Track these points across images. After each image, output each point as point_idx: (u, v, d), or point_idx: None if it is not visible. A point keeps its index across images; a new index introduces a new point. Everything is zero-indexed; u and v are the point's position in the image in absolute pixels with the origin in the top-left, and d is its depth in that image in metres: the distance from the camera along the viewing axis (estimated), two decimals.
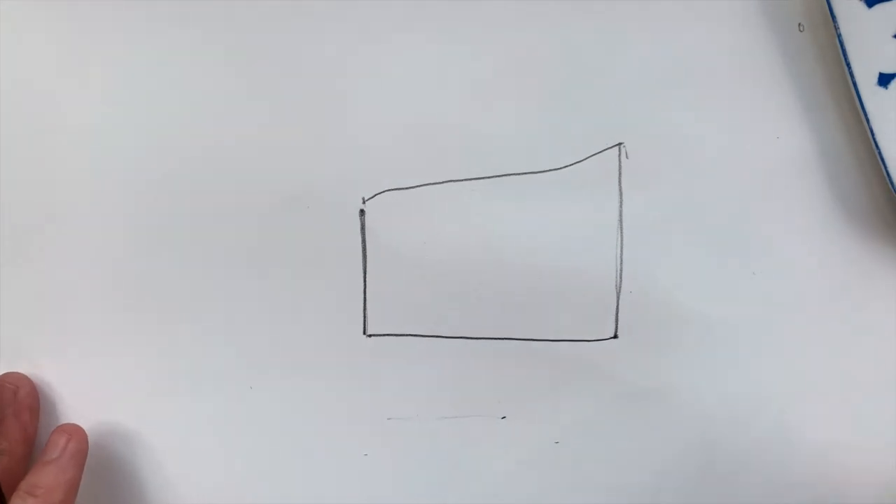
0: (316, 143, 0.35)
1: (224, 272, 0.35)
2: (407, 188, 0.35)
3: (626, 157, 0.35)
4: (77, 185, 0.35)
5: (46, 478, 0.31)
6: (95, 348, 0.35)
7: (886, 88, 0.33)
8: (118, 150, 0.35)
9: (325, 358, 0.35)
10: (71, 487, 0.32)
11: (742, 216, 0.35)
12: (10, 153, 0.35)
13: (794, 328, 0.35)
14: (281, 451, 0.35)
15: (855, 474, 0.36)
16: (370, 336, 0.35)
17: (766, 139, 0.35)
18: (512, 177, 0.35)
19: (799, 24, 0.34)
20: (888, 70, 0.32)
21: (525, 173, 0.35)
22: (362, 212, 0.35)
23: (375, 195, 0.35)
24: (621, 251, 0.35)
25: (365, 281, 0.35)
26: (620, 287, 0.35)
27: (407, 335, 0.35)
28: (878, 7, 0.32)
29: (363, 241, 0.35)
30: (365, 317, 0.35)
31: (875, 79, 0.32)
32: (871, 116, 0.32)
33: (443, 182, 0.35)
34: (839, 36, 0.32)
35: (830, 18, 0.33)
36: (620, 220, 0.35)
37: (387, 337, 0.35)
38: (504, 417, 0.35)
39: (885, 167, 0.33)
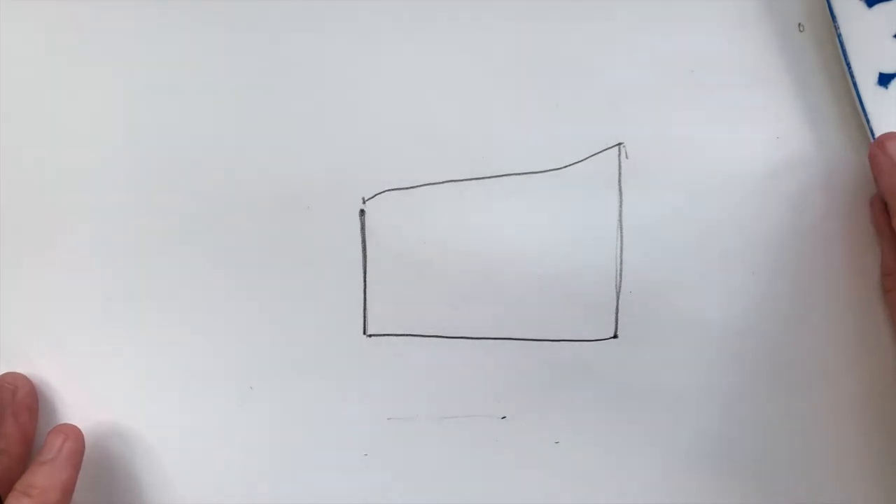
0: (316, 143, 0.35)
1: (224, 272, 0.35)
2: (407, 188, 0.35)
3: (626, 157, 0.35)
4: (77, 185, 0.35)
5: (42, 478, 0.31)
6: (94, 348, 0.35)
7: (886, 88, 0.33)
8: (118, 149, 0.35)
9: (325, 358, 0.35)
10: (66, 488, 0.32)
11: (742, 216, 0.35)
12: (10, 153, 0.35)
13: (794, 328, 0.35)
14: (281, 450, 0.35)
15: (857, 472, 0.36)
16: (370, 336, 0.35)
17: (766, 139, 0.35)
18: (512, 177, 0.35)
19: (799, 24, 0.34)
20: (888, 70, 0.33)
21: (525, 173, 0.35)
22: (362, 212, 0.35)
23: (375, 195, 0.35)
24: (621, 251, 0.35)
25: (365, 281, 0.35)
26: (620, 287, 0.35)
27: (407, 335, 0.35)
28: (878, 7, 0.32)
29: (363, 241, 0.35)
30: (365, 317, 0.35)
31: (875, 79, 0.32)
32: (871, 116, 0.32)
33: (443, 182, 0.35)
34: (839, 36, 0.32)
35: (830, 18, 0.33)
36: (620, 220, 0.35)
37: (387, 337, 0.35)
38: (504, 417, 0.35)
39: None
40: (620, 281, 0.35)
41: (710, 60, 0.34)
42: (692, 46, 0.34)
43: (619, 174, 0.35)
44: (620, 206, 0.35)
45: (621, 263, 0.35)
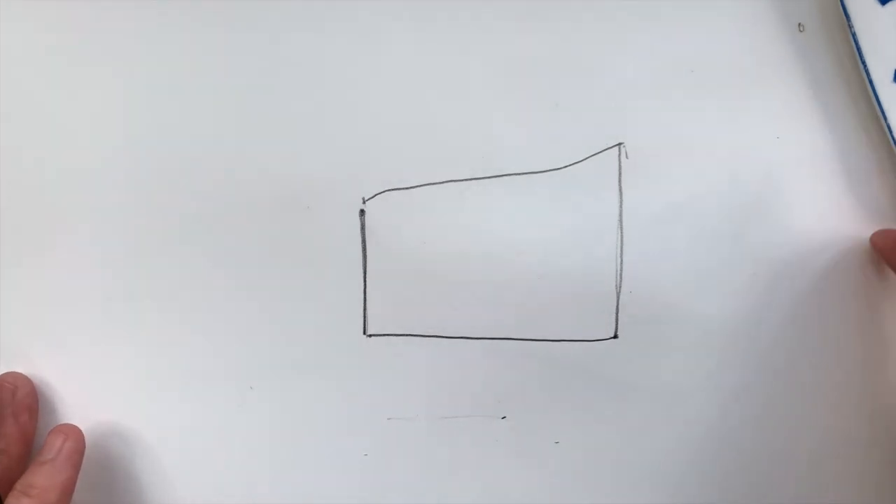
0: (316, 142, 0.35)
1: (224, 272, 0.35)
2: (407, 188, 0.35)
3: (626, 157, 0.35)
4: (77, 185, 0.35)
5: (42, 478, 0.31)
6: (94, 348, 0.35)
7: None
8: (117, 149, 0.35)
9: (325, 358, 0.35)
10: (66, 488, 0.32)
11: (742, 216, 0.35)
12: (10, 153, 0.35)
13: (794, 328, 0.35)
14: (281, 450, 0.35)
15: (857, 472, 0.36)
16: (370, 336, 0.35)
17: (766, 139, 0.35)
18: (512, 177, 0.35)
19: (799, 24, 0.34)
20: None
21: (525, 173, 0.35)
22: (362, 212, 0.35)
23: (375, 195, 0.35)
24: (621, 251, 0.35)
25: (365, 281, 0.35)
26: (620, 287, 0.35)
27: (407, 335, 0.35)
28: (891, 4, 0.32)
29: (363, 241, 0.35)
30: (365, 317, 0.35)
31: (891, 75, 0.32)
32: (888, 113, 0.32)
33: (443, 182, 0.35)
34: (853, 34, 0.32)
35: (832, 18, 0.33)
36: (620, 221, 0.35)
37: (387, 337, 0.35)
38: (504, 417, 0.35)
39: None
40: (620, 281, 0.35)
41: (710, 60, 0.34)
42: (692, 46, 0.34)
43: (619, 174, 0.35)
44: (620, 206, 0.35)
45: (621, 263, 0.35)
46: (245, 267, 0.35)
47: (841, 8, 0.32)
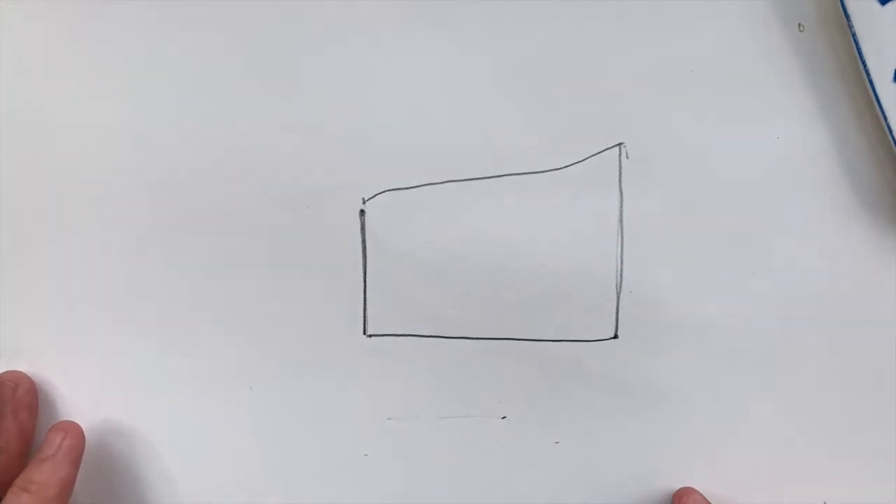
0: (316, 143, 0.35)
1: (224, 272, 0.35)
2: (407, 188, 0.35)
3: (626, 157, 0.35)
4: (77, 185, 0.35)
5: (41, 474, 0.31)
6: (95, 347, 0.35)
7: None
8: (118, 149, 0.35)
9: (325, 358, 0.35)
10: (66, 484, 0.32)
11: (742, 216, 0.35)
12: (10, 153, 0.35)
13: (794, 328, 0.35)
14: (281, 451, 0.35)
15: (857, 471, 0.36)
16: (370, 336, 0.35)
17: (765, 139, 0.35)
18: (512, 177, 0.35)
19: (799, 24, 0.34)
20: None
21: (525, 173, 0.35)
22: (362, 212, 0.35)
23: (375, 195, 0.35)
24: (621, 251, 0.35)
25: (365, 281, 0.35)
26: (620, 287, 0.35)
27: (407, 335, 0.35)
28: (892, 4, 0.32)
29: (363, 241, 0.35)
30: (365, 317, 0.35)
31: (891, 75, 0.32)
32: (888, 113, 0.32)
33: (443, 182, 0.35)
34: (854, 34, 0.32)
35: (832, 18, 0.33)
36: (620, 220, 0.35)
37: (387, 337, 0.35)
38: (504, 417, 0.35)
39: None
40: (620, 281, 0.35)
41: (710, 60, 0.34)
42: (692, 46, 0.34)
43: (620, 174, 0.35)
44: (620, 206, 0.35)
45: (621, 263, 0.35)
46: (245, 267, 0.35)
47: (841, 8, 0.32)
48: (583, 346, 0.35)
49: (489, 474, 0.36)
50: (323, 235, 0.35)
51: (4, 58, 0.34)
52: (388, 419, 0.35)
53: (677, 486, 0.35)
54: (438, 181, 0.35)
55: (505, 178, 0.35)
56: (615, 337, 0.35)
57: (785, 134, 0.35)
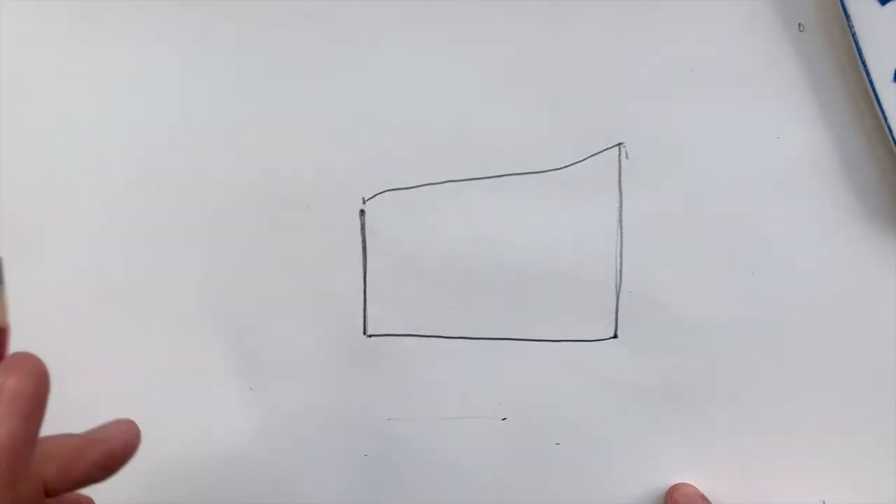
0: (316, 143, 0.35)
1: (224, 272, 0.35)
2: (407, 188, 0.35)
3: (626, 157, 0.35)
4: (77, 185, 0.35)
5: None
6: (95, 348, 0.35)
7: None
8: (118, 150, 0.35)
9: (325, 358, 0.35)
10: (9, 445, 0.21)
11: (742, 216, 0.35)
12: (11, 153, 0.35)
13: (794, 328, 0.35)
14: (281, 451, 0.35)
15: (859, 470, 0.36)
16: (370, 336, 0.35)
17: (765, 139, 0.35)
18: (512, 177, 0.35)
19: (799, 24, 0.34)
20: None
21: (525, 173, 0.35)
22: (362, 212, 0.35)
23: (375, 195, 0.35)
24: (621, 251, 0.35)
25: (365, 281, 0.35)
26: (620, 287, 0.35)
27: (407, 335, 0.35)
28: (892, 4, 0.32)
29: (363, 241, 0.35)
30: (365, 317, 0.35)
31: (891, 75, 0.32)
32: (888, 114, 0.32)
33: (443, 182, 0.35)
34: (853, 34, 0.32)
35: (832, 18, 0.33)
36: (620, 220, 0.35)
37: (387, 337, 0.35)
38: (504, 419, 0.35)
39: None
40: (620, 281, 0.35)
41: (710, 60, 0.34)
42: (692, 46, 0.34)
43: (619, 174, 0.35)
44: (620, 206, 0.35)
45: (621, 263, 0.35)
46: (245, 267, 0.35)
47: (841, 8, 0.32)
48: (583, 346, 0.35)
49: (489, 474, 0.36)
50: (323, 235, 0.35)
51: (5, 57, 0.34)
52: (388, 419, 0.35)
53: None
54: (438, 181, 0.35)
55: (505, 178, 0.35)
56: (615, 337, 0.35)
57: (785, 134, 0.35)
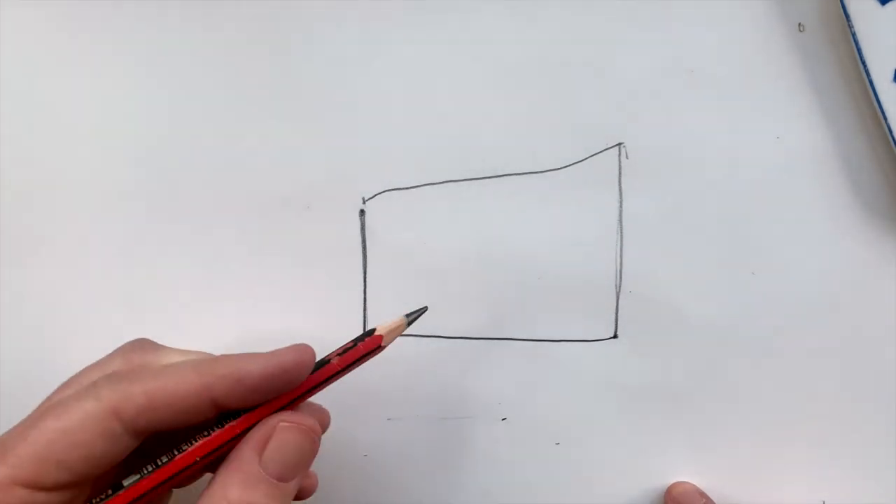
0: (316, 142, 0.35)
1: (224, 272, 0.35)
2: (407, 188, 0.35)
3: (626, 157, 0.35)
4: (77, 185, 0.35)
5: None
6: (96, 348, 0.35)
7: None
8: (118, 150, 0.35)
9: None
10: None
11: (742, 216, 0.35)
12: (11, 153, 0.35)
13: (793, 328, 0.35)
14: None
15: (859, 470, 0.36)
16: None
17: (766, 139, 0.35)
18: (512, 177, 0.35)
19: (799, 24, 0.34)
20: None
21: (525, 173, 0.35)
22: (362, 212, 0.35)
23: (375, 195, 0.35)
24: (621, 251, 0.35)
25: (365, 281, 0.35)
26: (620, 287, 0.35)
27: (407, 335, 0.35)
28: (892, 5, 0.32)
29: (363, 240, 0.35)
30: (365, 317, 0.35)
31: (891, 75, 0.32)
32: (888, 113, 0.32)
33: (443, 182, 0.35)
34: (854, 34, 0.32)
35: (832, 18, 0.33)
36: (620, 220, 0.35)
37: None
38: (504, 419, 0.35)
39: None
40: (620, 281, 0.35)
41: (710, 60, 0.34)
42: (692, 46, 0.34)
43: (619, 174, 0.35)
44: (620, 206, 0.35)
45: (621, 263, 0.35)
46: (245, 266, 0.35)
47: (841, 8, 0.32)
48: (583, 346, 0.35)
49: (489, 474, 0.36)
50: (323, 235, 0.35)
51: (5, 57, 0.34)
52: (388, 419, 0.35)
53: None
54: (438, 181, 0.35)
55: (505, 178, 0.35)
56: (615, 337, 0.35)
57: (785, 134, 0.35)
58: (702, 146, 0.35)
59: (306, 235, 0.35)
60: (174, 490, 0.30)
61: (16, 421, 0.26)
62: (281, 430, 0.26)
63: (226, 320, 0.35)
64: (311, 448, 0.26)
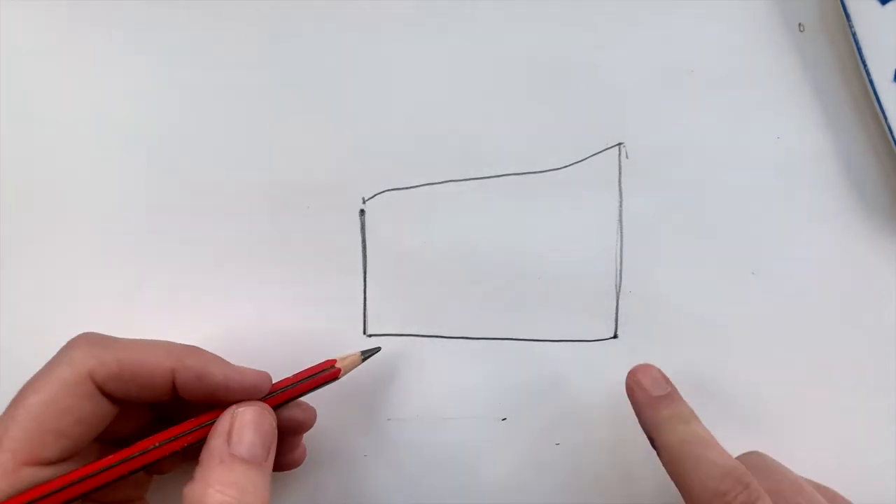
0: (316, 143, 0.35)
1: (224, 272, 0.35)
2: (407, 188, 0.35)
3: (626, 157, 0.35)
4: (77, 185, 0.35)
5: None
6: None
7: None
8: (118, 150, 0.35)
9: (324, 358, 0.35)
10: None
11: (742, 216, 0.35)
12: (11, 153, 0.35)
13: (793, 328, 0.35)
14: None
15: (853, 474, 0.36)
16: (370, 336, 0.35)
17: (766, 139, 0.35)
18: (512, 177, 0.35)
19: (799, 25, 0.34)
20: None
21: (525, 173, 0.35)
22: (362, 212, 0.35)
23: (375, 195, 0.35)
24: (621, 251, 0.35)
25: (365, 281, 0.35)
26: (620, 287, 0.35)
27: (407, 335, 0.35)
28: (892, 5, 0.32)
29: (363, 241, 0.35)
30: (365, 317, 0.35)
31: (891, 75, 0.32)
32: (888, 113, 0.33)
33: (443, 182, 0.35)
34: (854, 34, 0.32)
35: (832, 18, 0.33)
36: (620, 220, 0.35)
37: (387, 337, 0.35)
38: (504, 419, 0.35)
39: None
40: (620, 281, 0.35)
41: (710, 60, 0.34)
42: (692, 46, 0.34)
43: (619, 174, 0.35)
44: (620, 206, 0.35)
45: (621, 263, 0.35)
46: (245, 267, 0.35)
47: (841, 8, 0.32)
48: (583, 346, 0.35)
49: (489, 474, 0.36)
50: (323, 235, 0.35)
51: (5, 57, 0.34)
52: (388, 419, 0.35)
53: None
54: (438, 181, 0.35)
55: (505, 178, 0.35)
56: (615, 337, 0.35)
57: (785, 134, 0.35)
58: (702, 146, 0.35)
59: (306, 235, 0.35)
60: (156, 477, 0.32)
61: None
62: (239, 416, 0.27)
63: (226, 320, 0.35)
64: (269, 422, 0.28)
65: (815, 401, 0.35)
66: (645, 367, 0.32)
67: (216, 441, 0.27)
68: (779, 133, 0.35)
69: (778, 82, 0.34)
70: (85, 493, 0.26)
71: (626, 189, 0.35)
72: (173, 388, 0.28)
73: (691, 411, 0.32)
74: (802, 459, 0.36)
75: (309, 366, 0.31)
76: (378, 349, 0.33)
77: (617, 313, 0.35)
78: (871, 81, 0.32)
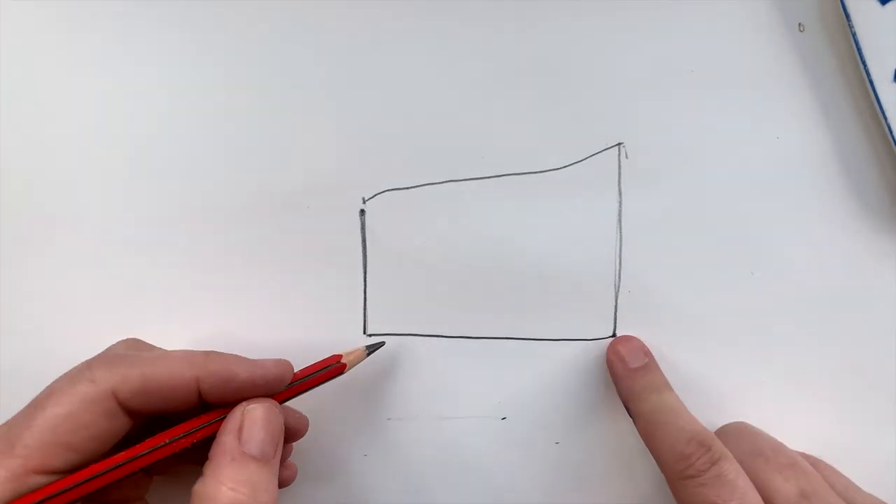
0: (316, 142, 0.35)
1: (224, 272, 0.35)
2: (407, 188, 0.35)
3: (626, 157, 0.35)
4: (77, 185, 0.35)
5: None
6: (95, 347, 0.35)
7: None
8: (118, 150, 0.35)
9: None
10: None
11: (742, 216, 0.35)
12: (11, 152, 0.35)
13: (793, 328, 0.35)
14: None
15: (852, 473, 0.36)
16: (370, 336, 0.35)
17: (765, 139, 0.35)
18: (512, 177, 0.35)
19: (799, 24, 0.34)
20: None
21: (525, 173, 0.35)
22: (362, 212, 0.35)
23: (375, 195, 0.35)
24: (620, 251, 0.35)
25: (365, 281, 0.35)
26: (619, 287, 0.35)
27: (407, 335, 0.35)
28: (892, 4, 0.32)
29: (363, 240, 0.35)
30: (365, 317, 0.35)
31: (891, 75, 0.32)
32: (888, 113, 0.33)
33: (443, 182, 0.35)
34: (854, 34, 0.32)
35: (832, 18, 0.33)
36: (620, 220, 0.35)
37: (387, 336, 0.35)
38: (504, 418, 0.36)
39: None
40: (620, 281, 0.35)
41: (710, 60, 0.34)
42: (692, 46, 0.34)
43: (619, 174, 0.35)
44: (620, 206, 0.35)
45: (621, 263, 0.35)
46: (245, 267, 0.35)
47: (841, 8, 0.32)
48: (583, 346, 0.35)
49: (489, 474, 0.36)
50: (323, 235, 0.35)
51: (6, 57, 0.34)
52: (388, 419, 0.35)
53: None
54: (438, 181, 0.35)
55: (505, 178, 0.35)
56: (614, 336, 0.35)
57: (785, 134, 0.35)
58: (702, 146, 0.35)
59: (306, 235, 0.35)
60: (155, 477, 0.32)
61: None
62: (250, 413, 0.28)
63: (226, 320, 0.35)
64: (277, 419, 0.29)
65: (815, 400, 0.35)
66: (625, 339, 0.34)
67: (227, 438, 0.27)
68: (779, 133, 0.35)
69: (778, 82, 0.34)
70: (96, 491, 0.26)
71: (625, 189, 0.35)
72: (198, 395, 0.28)
73: (665, 381, 0.33)
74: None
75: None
76: (382, 343, 0.34)
77: (616, 312, 0.35)
78: (870, 81, 0.32)
